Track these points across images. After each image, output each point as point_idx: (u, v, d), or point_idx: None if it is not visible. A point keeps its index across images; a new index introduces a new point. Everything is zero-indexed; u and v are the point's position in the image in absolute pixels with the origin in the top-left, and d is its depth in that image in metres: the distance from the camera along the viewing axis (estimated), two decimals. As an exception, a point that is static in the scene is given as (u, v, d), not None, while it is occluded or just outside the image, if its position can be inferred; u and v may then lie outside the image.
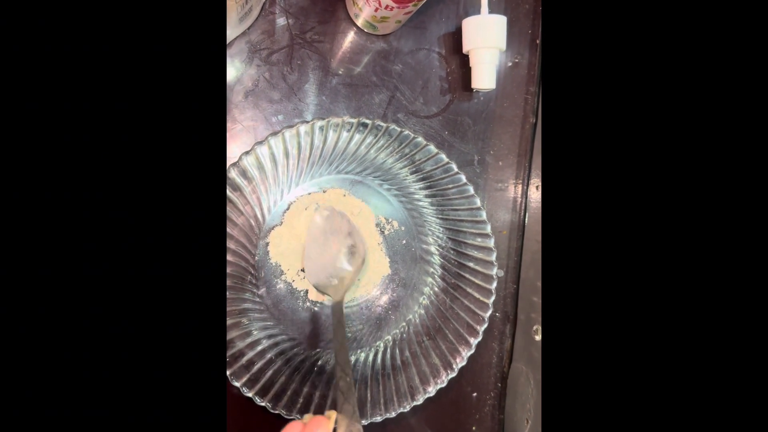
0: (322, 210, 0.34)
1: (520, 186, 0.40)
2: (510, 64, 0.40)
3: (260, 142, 0.31)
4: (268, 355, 0.32)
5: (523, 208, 0.40)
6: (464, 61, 0.38)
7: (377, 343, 0.36)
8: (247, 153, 0.31)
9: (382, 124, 0.32)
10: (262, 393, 0.31)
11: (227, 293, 0.32)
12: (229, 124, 0.34)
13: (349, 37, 0.36)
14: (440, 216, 0.36)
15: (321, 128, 0.32)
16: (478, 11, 0.36)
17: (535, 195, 0.39)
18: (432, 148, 0.33)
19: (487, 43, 0.35)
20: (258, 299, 0.34)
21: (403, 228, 0.37)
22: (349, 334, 0.36)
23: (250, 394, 0.31)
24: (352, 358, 0.35)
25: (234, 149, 0.34)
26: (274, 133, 0.31)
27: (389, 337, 0.37)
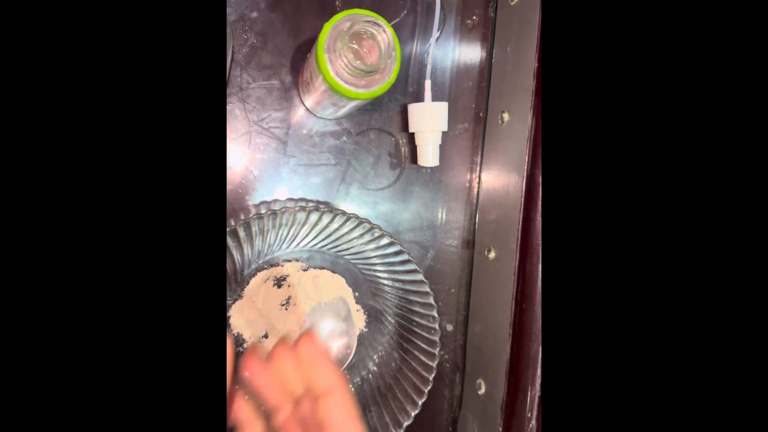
0: (330, 296, 0.40)
1: (467, 247, 0.44)
2: (455, 135, 0.43)
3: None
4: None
5: (469, 266, 0.44)
6: (412, 137, 0.41)
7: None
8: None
9: (331, 211, 0.36)
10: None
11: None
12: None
13: (304, 121, 0.39)
14: (391, 286, 0.39)
15: (275, 217, 0.35)
16: (423, 96, 0.40)
17: (480, 258, 0.43)
18: (377, 231, 0.36)
19: (430, 127, 0.39)
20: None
21: (357, 294, 0.40)
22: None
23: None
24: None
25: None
26: (233, 233, 0.34)
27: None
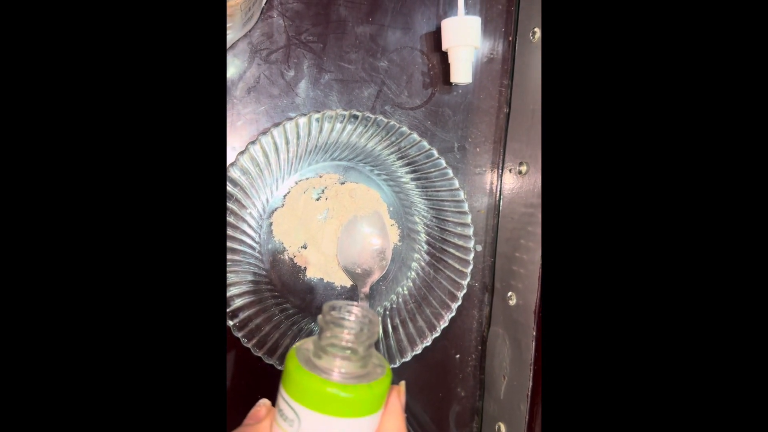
0: (366, 209, 0.40)
1: (495, 170, 0.45)
2: (485, 59, 0.44)
3: (264, 133, 0.35)
4: (275, 320, 0.37)
5: (498, 190, 0.45)
6: (444, 58, 0.42)
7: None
8: (252, 143, 0.35)
9: (370, 115, 0.37)
10: (270, 353, 0.36)
11: (238, 269, 0.36)
12: (233, 117, 0.38)
13: (340, 38, 0.40)
14: (424, 197, 0.40)
15: (317, 120, 0.36)
16: (455, 13, 0.40)
17: (509, 178, 0.44)
18: (415, 136, 0.37)
19: (464, 41, 0.39)
20: (264, 273, 0.38)
21: (391, 208, 0.42)
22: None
23: (259, 354, 0.35)
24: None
25: (238, 140, 0.38)
26: (276, 125, 0.35)
27: (380, 308, 0.41)
